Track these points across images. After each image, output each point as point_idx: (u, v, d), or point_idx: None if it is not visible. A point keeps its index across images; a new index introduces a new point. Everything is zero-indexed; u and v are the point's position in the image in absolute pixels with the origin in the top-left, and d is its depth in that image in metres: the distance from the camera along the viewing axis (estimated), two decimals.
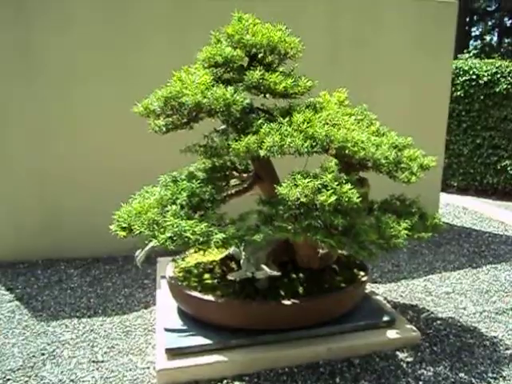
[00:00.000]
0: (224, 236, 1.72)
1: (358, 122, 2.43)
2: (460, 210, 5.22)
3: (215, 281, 2.41)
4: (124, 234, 1.77)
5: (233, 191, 2.14)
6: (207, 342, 2.22)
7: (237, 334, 2.26)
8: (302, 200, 1.67)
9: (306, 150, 1.73)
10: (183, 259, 2.74)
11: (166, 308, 2.56)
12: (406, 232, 1.90)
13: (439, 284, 3.27)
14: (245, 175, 2.30)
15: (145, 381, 2.17)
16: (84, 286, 3.22)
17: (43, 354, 2.39)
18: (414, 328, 2.49)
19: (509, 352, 2.42)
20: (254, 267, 2.32)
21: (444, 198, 5.78)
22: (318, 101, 2.19)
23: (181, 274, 2.51)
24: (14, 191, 3.55)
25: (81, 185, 3.63)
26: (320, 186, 1.68)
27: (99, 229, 3.41)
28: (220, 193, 1.99)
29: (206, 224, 1.72)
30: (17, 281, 3.30)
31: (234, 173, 2.32)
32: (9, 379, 2.18)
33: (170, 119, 2.14)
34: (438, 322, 2.73)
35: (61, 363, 2.31)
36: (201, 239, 1.67)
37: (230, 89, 1.87)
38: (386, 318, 2.46)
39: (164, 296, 2.69)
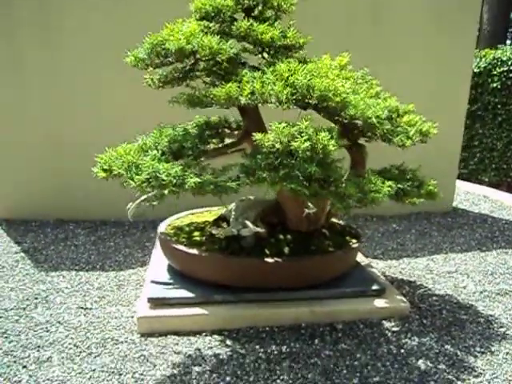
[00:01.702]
0: (199, 180, 1.72)
1: (356, 85, 2.37)
2: (480, 197, 5.00)
3: (203, 238, 2.42)
4: (104, 175, 1.80)
5: (220, 145, 2.13)
6: (190, 295, 2.24)
7: (221, 290, 2.27)
8: (277, 146, 1.65)
9: (284, 97, 1.70)
10: (178, 219, 2.77)
11: (157, 264, 2.60)
12: (389, 189, 1.83)
13: (442, 264, 3.16)
14: (236, 133, 2.29)
15: (126, 327, 2.22)
16: (87, 245, 3.32)
17: (36, 299, 2.48)
18: (404, 299, 2.43)
19: (502, 330, 2.31)
20: (240, 226, 2.32)
21: (468, 187, 5.56)
22: (312, 58, 2.14)
23: (172, 231, 2.54)
24: (31, 153, 3.69)
25: (94, 149, 3.72)
26: (296, 133, 1.65)
27: (108, 193, 3.52)
28: (204, 144, 1.99)
29: (181, 167, 1.73)
30: (26, 236, 3.44)
31: (227, 130, 2.31)
32: (1, 317, 2.29)
33: (164, 73, 2.15)
34: (434, 298, 2.65)
35: (52, 307, 2.40)
36: (174, 181, 1.68)
37: (217, 37, 1.86)
38: (375, 287, 2.41)
39: (158, 254, 2.73)
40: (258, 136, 1.70)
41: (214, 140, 2.22)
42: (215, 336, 2.16)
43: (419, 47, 4.02)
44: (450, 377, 1.93)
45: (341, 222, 2.83)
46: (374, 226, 3.90)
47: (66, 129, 3.68)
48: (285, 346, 2.10)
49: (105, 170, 1.82)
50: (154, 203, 2.06)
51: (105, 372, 1.89)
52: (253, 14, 2.16)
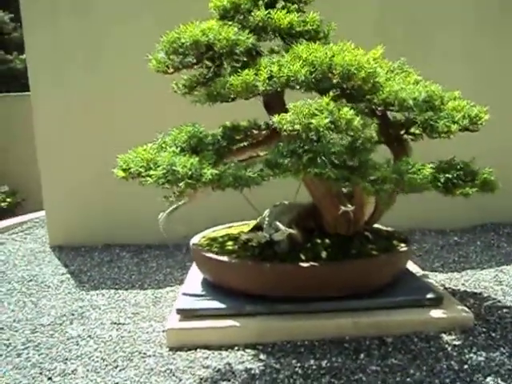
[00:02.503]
0: (216, 172, 1.61)
1: (392, 73, 2.20)
2: None
3: (236, 247, 2.29)
4: (123, 174, 1.76)
5: (245, 143, 2.03)
6: (221, 306, 2.09)
7: (254, 301, 2.10)
8: (296, 127, 1.51)
9: (303, 77, 1.58)
10: (214, 232, 2.67)
11: (192, 279, 2.49)
12: (430, 171, 1.60)
13: None
14: (264, 132, 2.18)
15: (156, 341, 2.10)
16: (130, 265, 3.30)
17: (73, 315, 2.46)
18: (466, 309, 2.10)
19: None
20: (273, 230, 2.16)
21: None
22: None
23: (206, 242, 2.43)
24: (81, 184, 3.82)
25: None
26: (316, 111, 1.51)
27: (154, 217, 3.52)
28: (227, 141, 1.90)
29: (198, 160, 1.64)
30: (75, 260, 3.50)
31: (255, 131, 2.22)
32: (37, 331, 2.27)
33: (188, 77, 2.13)
34: (505, 310, 2.27)
35: (86, 323, 2.35)
36: (189, 173, 1.59)
37: (234, 28, 1.81)
38: (430, 296, 2.11)
39: (194, 270, 2.63)
40: (275, 118, 1.58)
41: (241, 142, 2.13)
42: (248, 350, 1.97)
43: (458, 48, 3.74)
44: None
45: (388, 228, 2.57)
46: (432, 240, 3.54)
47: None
48: (325, 361, 1.86)
49: (124, 170, 1.78)
50: (180, 203, 1.98)
51: None
52: (275, 6, 2.10)
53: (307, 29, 1.85)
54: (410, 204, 3.75)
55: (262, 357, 1.92)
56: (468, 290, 2.56)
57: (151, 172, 1.67)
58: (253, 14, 1.86)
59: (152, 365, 1.90)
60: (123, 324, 2.33)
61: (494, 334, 2.01)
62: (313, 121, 1.48)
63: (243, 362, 1.89)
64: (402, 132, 2.33)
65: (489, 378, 1.70)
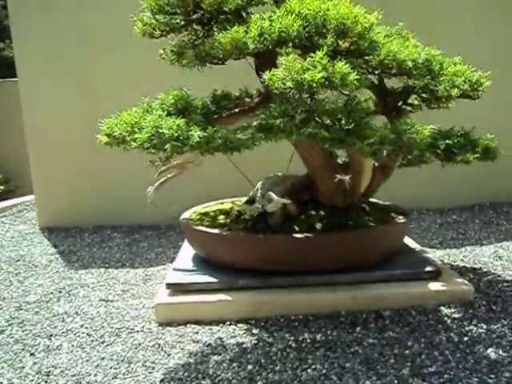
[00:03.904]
0: (205, 134, 1.52)
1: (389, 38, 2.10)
2: None
3: (228, 220, 2.20)
4: (107, 139, 1.66)
5: (236, 110, 1.93)
6: (212, 280, 2.01)
7: (247, 275, 2.02)
8: (288, 84, 1.42)
9: (295, 32, 1.48)
10: (206, 207, 2.58)
11: (184, 255, 2.41)
12: (430, 131, 1.52)
13: None
14: (256, 100, 2.08)
15: (145, 317, 2.02)
16: (121, 246, 3.22)
17: (60, 293, 2.38)
18: (467, 282, 2.03)
19: None
20: (266, 201, 2.08)
21: None
22: None
23: (197, 217, 2.35)
24: (71, 165, 3.71)
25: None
26: (309, 66, 1.41)
27: (145, 198, 3.42)
28: (217, 105, 1.80)
29: (185, 121, 1.54)
30: (65, 241, 3.41)
31: (247, 99, 2.12)
32: (22, 309, 2.19)
33: (176, 42, 2.02)
34: (505, 284, 2.20)
35: (73, 300, 2.28)
36: (176, 135, 1.49)
37: None
38: (429, 268, 2.04)
39: (186, 246, 2.55)
40: (266, 75, 1.48)
41: (231, 110, 2.02)
42: (240, 325, 1.90)
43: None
44: None
45: (387, 203, 2.48)
46: (430, 218, 3.47)
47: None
48: (320, 335, 1.79)
49: (108, 135, 1.68)
50: (170, 176, 1.89)
51: (114, 360, 1.69)
52: None
53: None
54: (406, 182, 3.69)
55: (254, 331, 1.85)
56: (467, 265, 2.49)
57: (136, 136, 1.57)
58: None
59: (140, 340, 1.83)
60: (111, 301, 2.25)
61: (494, 307, 1.95)
62: (305, 76, 1.38)
63: (235, 336, 1.82)
64: (400, 102, 2.25)
65: (490, 349, 1.63)
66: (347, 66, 1.42)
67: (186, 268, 2.17)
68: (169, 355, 1.71)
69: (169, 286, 2.01)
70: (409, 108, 2.30)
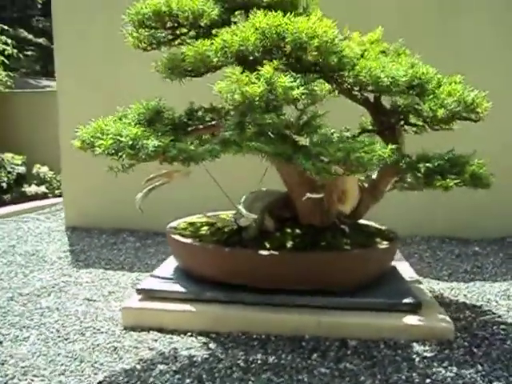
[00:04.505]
0: (160, 144, 1.55)
1: (384, 55, 2.02)
2: None
3: (208, 232, 2.20)
4: (79, 144, 1.75)
5: (208, 124, 1.93)
6: (180, 289, 2.02)
7: (217, 287, 2.00)
8: (237, 98, 1.40)
9: (252, 46, 1.46)
10: (198, 218, 2.60)
11: (169, 262, 2.44)
12: (384, 152, 1.42)
13: None
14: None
15: (115, 319, 2.06)
16: (130, 249, 3.33)
17: (53, 288, 2.50)
18: (448, 319, 1.85)
19: None
20: (240, 216, 2.06)
21: None
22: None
23: (182, 226, 2.37)
24: (99, 168, 3.92)
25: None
26: (254, 80, 1.38)
27: (163, 204, 3.52)
28: (188, 117, 1.82)
29: (142, 129, 1.58)
30: (82, 240, 3.60)
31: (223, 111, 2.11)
32: (13, 299, 2.33)
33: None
34: (502, 326, 1.99)
35: (61, 296, 2.38)
36: (131, 143, 1.53)
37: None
38: (407, 300, 1.89)
39: None
40: (216, 86, 1.48)
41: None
42: (200, 337, 1.88)
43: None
44: None
45: (383, 227, 2.35)
46: (449, 248, 3.23)
47: None
48: (273, 357, 1.72)
49: (81, 141, 1.77)
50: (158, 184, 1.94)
51: (67, 357, 1.74)
52: None
53: (276, 1, 1.73)
54: (431, 208, 3.47)
55: (211, 345, 1.82)
56: (468, 301, 2.28)
57: (100, 142, 1.63)
58: None
59: (100, 341, 1.87)
60: (95, 301, 2.32)
61: (475, 350, 1.76)
62: (248, 89, 1.36)
63: (190, 348, 1.80)
64: (400, 121, 2.14)
65: None
66: (296, 80, 1.37)
67: (164, 275, 2.20)
68: (120, 359, 1.74)
69: (139, 291, 2.04)
70: (414, 129, 2.19)
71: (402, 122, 2.16)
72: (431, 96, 1.82)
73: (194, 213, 2.63)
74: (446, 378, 1.58)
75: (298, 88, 1.36)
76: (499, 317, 2.09)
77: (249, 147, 1.43)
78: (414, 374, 1.60)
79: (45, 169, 6.59)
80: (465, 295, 2.37)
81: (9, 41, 7.20)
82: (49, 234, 3.80)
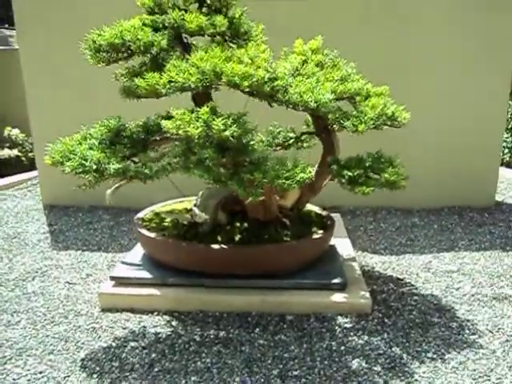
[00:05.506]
0: (119, 167, 1.83)
1: (321, 68, 2.28)
2: None
3: (170, 224, 2.53)
4: (49, 162, 2.00)
5: (158, 138, 2.18)
6: (148, 276, 2.37)
7: (178, 273, 2.36)
8: (180, 132, 1.68)
9: (194, 85, 1.72)
10: (164, 206, 2.92)
11: (137, 248, 2.77)
12: (303, 175, 1.75)
13: (447, 262, 2.86)
14: None
15: (93, 302, 2.42)
16: (105, 228, 3.64)
17: (37, 272, 2.83)
18: (367, 295, 2.28)
19: (472, 337, 2.05)
20: (195, 213, 2.38)
21: None
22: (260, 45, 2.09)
23: (149, 217, 2.69)
24: None
25: None
26: (193, 120, 1.66)
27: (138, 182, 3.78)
28: (149, 134, 2.08)
29: (103, 154, 1.85)
30: (60, 219, 3.88)
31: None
32: (2, 285, 2.66)
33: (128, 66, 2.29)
34: (415, 297, 2.43)
35: (45, 281, 2.71)
36: (94, 167, 1.81)
37: (148, 31, 1.94)
38: (336, 281, 2.30)
39: None
40: (163, 123, 1.75)
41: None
42: (165, 316, 2.26)
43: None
44: (378, 379, 1.79)
45: (324, 212, 2.71)
46: (392, 220, 3.66)
47: None
48: (224, 332, 2.12)
49: (51, 158, 2.02)
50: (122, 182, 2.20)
51: (55, 338, 2.11)
52: (205, 5, 2.19)
53: (219, 31, 1.96)
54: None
55: (173, 323, 2.21)
56: (395, 275, 2.72)
57: (68, 163, 1.90)
58: (168, 13, 1.97)
59: (81, 323, 2.24)
60: (75, 284, 2.67)
61: (386, 320, 2.20)
62: (189, 129, 1.64)
63: (156, 326, 2.19)
64: (328, 123, 2.42)
65: (355, 360, 1.91)
66: (224, 121, 1.65)
67: (133, 262, 2.54)
68: (99, 338, 2.11)
69: (112, 278, 2.39)
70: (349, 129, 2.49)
71: (336, 127, 2.46)
72: (354, 112, 2.12)
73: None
74: (357, 345, 2.01)
75: (230, 126, 1.64)
76: (416, 289, 2.54)
77: (193, 173, 1.73)
78: (333, 343, 2.03)
79: (16, 131, 6.65)
80: (393, 268, 2.81)
81: None
82: (27, 213, 4.05)
